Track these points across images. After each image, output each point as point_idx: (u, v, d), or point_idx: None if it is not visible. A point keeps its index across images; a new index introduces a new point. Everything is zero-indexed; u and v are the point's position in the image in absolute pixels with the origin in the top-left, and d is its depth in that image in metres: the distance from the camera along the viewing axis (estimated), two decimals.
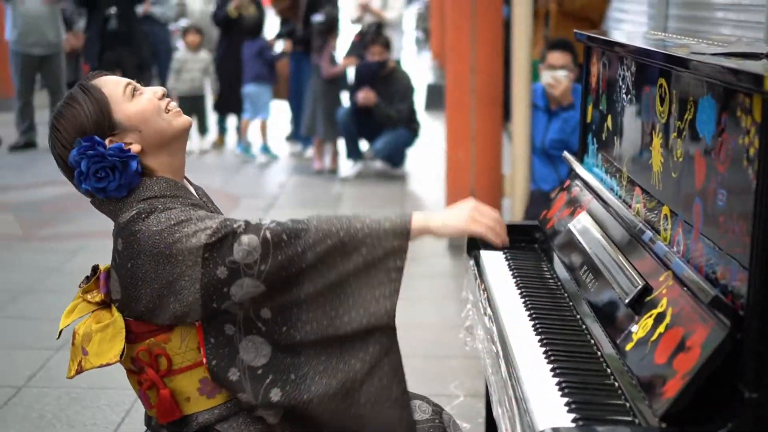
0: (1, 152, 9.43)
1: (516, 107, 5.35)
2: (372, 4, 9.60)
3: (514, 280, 2.69)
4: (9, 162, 8.97)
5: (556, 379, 2.00)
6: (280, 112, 10.13)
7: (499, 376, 2.24)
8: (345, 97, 8.87)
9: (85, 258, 5.59)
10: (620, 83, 2.52)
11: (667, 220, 2.10)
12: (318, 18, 8.65)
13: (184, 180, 2.19)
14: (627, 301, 2.02)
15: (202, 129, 9.65)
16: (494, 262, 2.86)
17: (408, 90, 8.50)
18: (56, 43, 9.55)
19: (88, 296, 2.13)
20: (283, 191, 8.07)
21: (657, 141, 2.19)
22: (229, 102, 9.47)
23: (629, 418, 1.82)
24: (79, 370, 2.07)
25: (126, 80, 2.11)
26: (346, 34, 10.65)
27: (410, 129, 8.45)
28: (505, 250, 2.96)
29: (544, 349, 2.17)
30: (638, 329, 1.92)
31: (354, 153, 8.65)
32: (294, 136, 9.62)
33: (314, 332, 2.01)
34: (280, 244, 1.94)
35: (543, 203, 3.77)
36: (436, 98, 11.13)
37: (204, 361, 2.01)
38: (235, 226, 1.96)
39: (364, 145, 8.76)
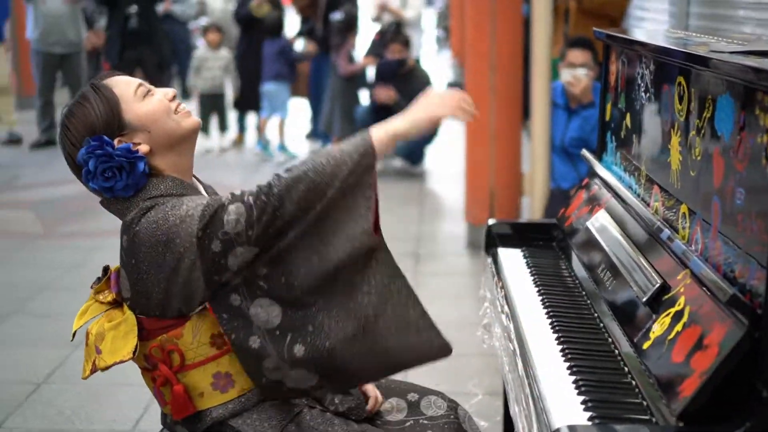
0: (23, 150, 9.49)
1: (535, 105, 5.33)
2: (391, 3, 9.59)
3: (532, 278, 2.69)
4: (30, 160, 9.02)
5: (573, 378, 1.99)
6: (299, 110, 10.15)
7: (515, 374, 2.24)
8: (364, 96, 8.86)
9: (104, 255, 5.61)
10: (639, 81, 2.51)
11: (686, 219, 2.09)
12: (336, 16, 8.66)
13: (193, 179, 2.19)
14: (645, 299, 2.02)
15: (222, 127, 9.67)
16: (512, 260, 2.86)
17: (427, 88, 8.48)
18: (77, 42, 9.60)
19: (100, 296, 2.14)
20: None
21: (675, 139, 2.18)
22: (249, 100, 9.48)
23: (646, 417, 1.82)
24: (94, 370, 2.08)
25: (138, 81, 2.12)
26: (366, 32, 10.65)
27: None
28: (524, 248, 2.96)
29: (561, 347, 2.17)
30: (656, 328, 1.91)
31: None
32: (313, 134, 9.64)
33: (310, 274, 1.99)
34: (261, 204, 1.94)
35: (562, 202, 3.76)
36: None
37: (228, 340, 2.02)
38: (222, 199, 1.98)
39: None
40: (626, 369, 2.02)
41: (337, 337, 2.00)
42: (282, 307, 2.00)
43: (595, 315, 2.36)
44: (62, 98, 10.24)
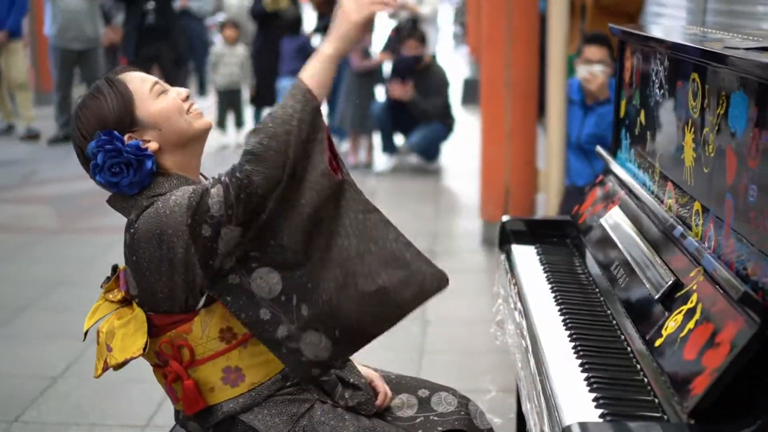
0: (41, 145, 9.53)
1: (551, 102, 5.32)
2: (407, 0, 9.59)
3: (545, 274, 2.68)
4: (48, 155, 9.06)
5: (585, 375, 1.99)
6: None
7: (528, 370, 2.24)
8: (380, 92, 8.86)
9: (119, 251, 5.64)
10: (653, 78, 2.50)
11: (699, 216, 2.09)
12: None
13: (200, 177, 2.20)
14: (657, 296, 2.01)
15: (239, 123, 9.69)
16: (526, 257, 2.86)
17: (443, 84, 8.49)
18: (95, 38, 9.63)
19: (110, 295, 2.16)
20: None
21: (689, 136, 2.17)
22: (265, 96, 9.50)
23: (658, 414, 1.81)
24: (105, 368, 2.10)
25: (153, 79, 2.13)
26: (382, 29, 10.65)
27: (445, 123, 8.44)
28: (537, 245, 2.96)
29: (573, 344, 2.17)
30: (668, 325, 1.90)
31: (389, 147, 8.66)
32: (329, 130, 9.63)
33: (294, 232, 1.97)
34: (236, 182, 1.92)
35: (578, 198, 3.75)
36: (472, 93, 11.10)
37: (240, 321, 2.02)
38: (207, 184, 1.97)
39: (399, 139, 8.76)
40: (638, 366, 2.02)
41: (331, 288, 1.99)
42: (280, 273, 2.00)
43: (608, 312, 2.35)
44: (80, 94, 10.29)
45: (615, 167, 2.80)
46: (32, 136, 9.79)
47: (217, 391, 2.10)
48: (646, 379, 1.95)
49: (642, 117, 2.64)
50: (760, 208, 1.74)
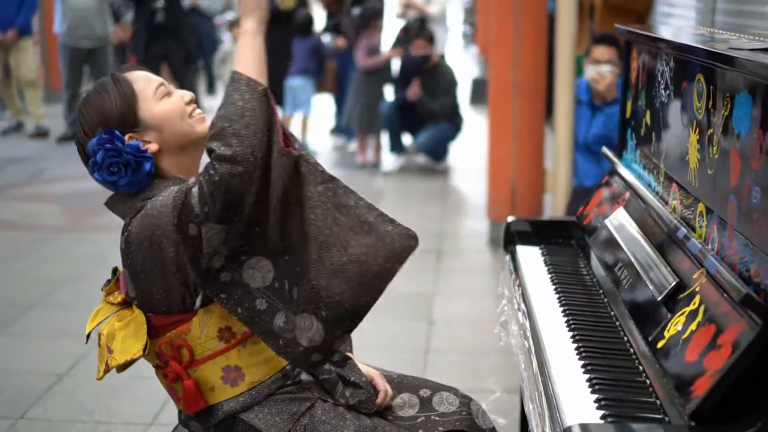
0: (49, 143, 9.56)
1: (559, 102, 5.31)
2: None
3: (550, 275, 2.68)
4: (57, 153, 9.08)
5: (587, 376, 1.99)
6: (324, 106, 10.16)
7: (530, 371, 2.23)
8: (388, 91, 8.86)
9: None
10: (659, 78, 2.50)
11: (703, 217, 2.08)
12: (356, 11, 8.67)
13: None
14: (660, 298, 2.01)
15: None
16: (530, 258, 2.85)
17: (451, 84, 8.49)
18: (104, 36, 9.65)
19: (110, 298, 2.17)
20: None
21: (694, 137, 2.17)
22: (274, 95, 9.47)
23: (659, 416, 1.81)
24: (107, 370, 2.11)
25: (159, 80, 2.14)
26: (391, 28, 10.65)
27: (453, 123, 8.44)
28: (542, 246, 2.95)
29: (576, 345, 2.16)
30: (671, 326, 1.90)
31: (397, 147, 8.66)
32: (337, 130, 9.65)
33: (273, 217, 1.96)
34: (207, 179, 1.89)
35: (585, 199, 3.75)
36: (481, 92, 11.09)
37: (235, 318, 2.01)
38: (189, 183, 1.96)
39: (407, 139, 8.76)
40: (641, 368, 2.01)
41: (309, 266, 1.98)
42: (269, 260, 2.00)
43: (612, 313, 2.35)
44: None
45: (620, 168, 2.79)
46: (41, 133, 9.81)
47: (218, 390, 2.10)
48: (648, 381, 1.94)
49: (647, 118, 2.63)
50: (764, 209, 1.73)
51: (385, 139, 8.75)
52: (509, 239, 3.02)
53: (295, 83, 9.05)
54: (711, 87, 2.05)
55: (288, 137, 2.01)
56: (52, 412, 3.77)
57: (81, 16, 9.40)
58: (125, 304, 2.14)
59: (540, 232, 3.02)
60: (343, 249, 1.98)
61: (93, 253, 5.89)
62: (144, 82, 2.11)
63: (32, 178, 8.12)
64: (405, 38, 8.93)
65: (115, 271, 2.20)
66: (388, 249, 2.01)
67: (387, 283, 2.04)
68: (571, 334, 2.23)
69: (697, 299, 1.87)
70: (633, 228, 2.43)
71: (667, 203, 2.37)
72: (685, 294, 1.94)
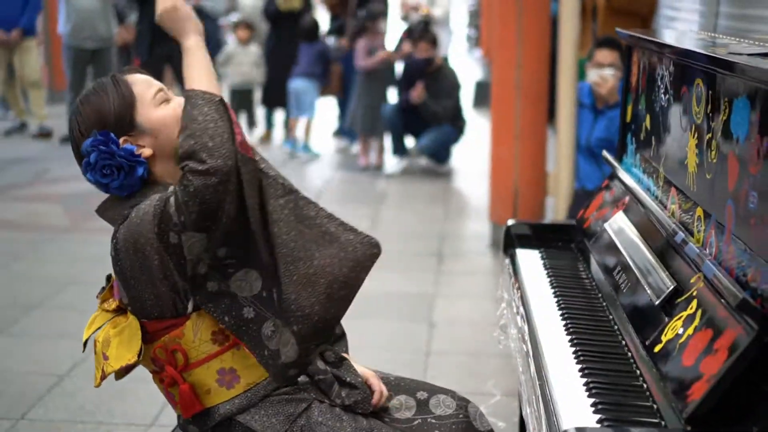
0: (53, 144, 9.57)
1: (561, 105, 5.32)
2: (419, 1, 9.58)
3: (549, 279, 2.68)
4: (60, 153, 9.09)
5: (584, 380, 1.99)
6: (327, 108, 10.17)
7: (528, 375, 2.24)
8: (392, 94, 8.87)
9: None
10: (658, 83, 2.50)
11: (701, 222, 2.08)
12: (362, 13, 8.70)
13: None
14: (658, 302, 2.01)
15: (251, 123, 9.69)
16: (530, 261, 2.86)
17: (454, 87, 8.49)
18: (108, 37, 9.66)
19: (105, 305, 2.18)
20: (327, 187, 8.10)
21: (692, 141, 2.17)
22: (277, 96, 9.51)
23: (656, 420, 1.81)
24: (103, 377, 2.13)
25: (159, 85, 2.14)
26: (394, 30, 10.65)
27: (456, 126, 8.44)
28: (542, 250, 2.96)
29: (574, 349, 2.17)
30: (668, 331, 1.90)
31: (399, 149, 8.66)
32: (341, 132, 9.66)
33: (244, 228, 1.97)
34: (181, 189, 1.90)
35: (586, 202, 3.76)
36: (484, 95, 11.10)
37: (222, 326, 2.02)
38: (169, 191, 1.96)
39: (410, 141, 8.77)
40: (638, 372, 2.01)
41: (278, 278, 1.99)
42: (257, 269, 2.01)
43: (610, 317, 2.35)
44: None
45: (620, 172, 2.79)
46: (45, 134, 9.83)
47: (214, 393, 2.11)
48: (645, 385, 1.95)
49: (647, 122, 2.64)
50: (761, 214, 1.73)
51: (387, 141, 8.76)
52: (509, 242, 3.02)
53: (299, 86, 9.06)
54: (710, 91, 2.06)
55: (247, 144, 2.00)
56: (53, 412, 3.77)
57: (85, 17, 9.41)
58: (120, 310, 2.15)
59: (540, 236, 3.03)
60: (309, 261, 1.99)
61: (95, 253, 5.89)
62: (144, 86, 2.12)
63: (35, 179, 8.14)
64: (404, 40, 8.92)
65: (109, 278, 2.21)
66: (351, 258, 2.02)
67: (354, 293, 2.05)
68: (569, 337, 2.23)
69: (694, 304, 1.87)
70: (632, 232, 2.43)
71: (666, 207, 2.37)
72: (683, 298, 1.94)
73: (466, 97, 10.73)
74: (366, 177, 8.37)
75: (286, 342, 1.99)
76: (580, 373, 2.03)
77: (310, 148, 9.23)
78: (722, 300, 1.77)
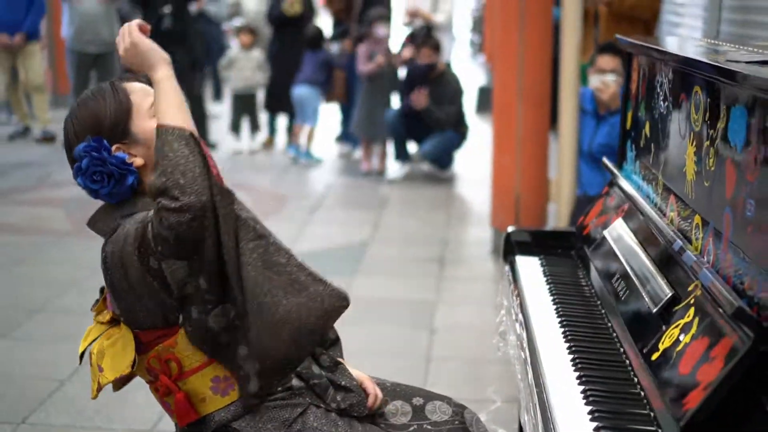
0: (56, 148, 9.57)
1: (563, 111, 5.31)
2: (421, 7, 9.58)
3: (548, 286, 2.68)
4: (63, 157, 8.90)
5: (582, 387, 1.99)
6: (330, 114, 10.17)
7: (526, 382, 2.24)
8: (394, 99, 8.87)
9: None
10: (658, 90, 2.50)
11: (699, 229, 2.08)
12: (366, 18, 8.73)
13: None
14: (655, 310, 2.01)
15: (254, 127, 9.70)
16: (529, 268, 2.86)
17: (457, 92, 8.49)
18: (111, 41, 9.65)
19: (99, 317, 2.20)
20: (330, 192, 8.10)
21: (691, 149, 2.17)
22: (280, 101, 9.51)
23: (653, 428, 1.81)
24: (99, 389, 2.14)
25: None
26: (397, 36, 10.66)
27: (458, 131, 8.44)
28: (542, 256, 2.96)
29: (572, 356, 2.17)
30: (665, 339, 1.90)
31: (402, 155, 8.67)
32: (343, 137, 9.66)
33: (218, 263, 1.98)
34: (159, 223, 1.90)
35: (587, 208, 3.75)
36: (487, 101, 11.10)
37: (203, 352, 2.06)
38: (148, 216, 1.96)
39: (412, 147, 8.77)
40: (636, 379, 2.01)
41: (250, 321, 2.01)
42: (234, 307, 2.02)
43: (609, 325, 2.35)
44: None
45: (620, 179, 2.79)
46: (48, 138, 9.84)
47: (209, 401, 2.11)
48: (642, 393, 1.94)
49: (647, 129, 2.64)
50: (758, 222, 1.73)
51: (390, 146, 8.76)
52: (509, 249, 3.02)
53: (302, 93, 9.06)
54: (708, 99, 2.06)
55: (221, 178, 1.99)
56: (54, 417, 3.78)
57: (88, 21, 9.42)
58: (114, 321, 2.16)
59: (540, 243, 3.03)
60: (276, 307, 2.03)
61: (98, 258, 5.85)
62: (141, 95, 2.12)
63: (39, 183, 8.14)
64: (406, 45, 8.92)
65: (102, 290, 2.22)
66: (319, 308, 2.06)
67: (321, 337, 2.11)
68: (567, 345, 2.24)
69: (691, 311, 1.87)
70: (631, 239, 2.43)
71: (665, 215, 2.37)
72: (681, 306, 1.94)
73: (469, 102, 10.73)
74: (368, 182, 8.37)
75: (250, 372, 2.04)
76: (578, 381, 2.03)
77: (312, 155, 9.23)
78: (719, 308, 1.77)
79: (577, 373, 2.06)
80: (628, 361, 2.10)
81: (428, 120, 8.29)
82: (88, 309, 4.89)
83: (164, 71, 2.00)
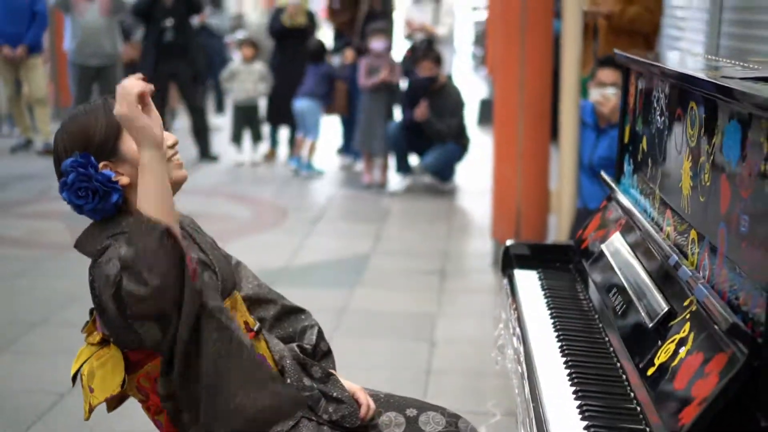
0: None
1: (564, 124, 5.32)
2: (423, 20, 9.60)
3: (546, 300, 2.68)
4: None
5: (578, 402, 1.99)
6: (331, 126, 10.19)
7: (523, 396, 2.24)
8: (396, 112, 8.89)
9: None
10: (654, 104, 2.51)
11: (695, 244, 2.09)
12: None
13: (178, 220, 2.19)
14: (651, 325, 2.01)
15: (256, 138, 9.72)
16: (527, 282, 2.86)
17: (458, 105, 8.51)
18: (113, 54, 9.70)
19: (90, 338, 2.19)
20: (331, 204, 8.11)
21: (687, 164, 2.18)
22: (281, 114, 9.54)
23: None
24: (91, 410, 2.14)
25: None
26: (399, 49, 10.68)
27: (460, 144, 8.46)
28: (540, 270, 2.96)
29: (568, 371, 2.17)
30: (661, 354, 1.91)
31: (403, 167, 8.68)
32: (345, 150, 9.68)
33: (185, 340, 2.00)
34: (126, 296, 1.90)
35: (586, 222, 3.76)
36: (489, 113, 11.11)
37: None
38: (115, 271, 1.93)
39: (413, 159, 8.78)
40: (632, 395, 2.01)
41: (200, 407, 2.04)
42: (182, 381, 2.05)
43: (606, 339, 2.35)
44: None
45: (617, 193, 2.80)
46: (50, 151, 9.74)
47: None
48: (639, 408, 1.95)
49: (644, 143, 2.64)
50: (752, 238, 1.74)
51: (391, 159, 8.77)
52: (507, 263, 3.03)
53: (304, 105, 9.08)
54: (703, 115, 2.07)
55: (197, 272, 1.98)
56: (54, 430, 3.77)
57: (90, 34, 9.45)
58: (104, 342, 2.15)
59: (538, 256, 3.03)
60: (233, 397, 2.03)
61: None
62: None
63: (40, 196, 8.16)
64: (412, 59, 8.93)
65: (91, 311, 2.21)
66: (276, 406, 2.09)
67: (273, 426, 2.11)
68: (564, 359, 2.24)
69: (686, 327, 1.88)
70: (628, 253, 2.43)
71: (661, 229, 2.38)
72: (676, 321, 1.95)
73: (471, 115, 10.74)
74: (369, 195, 8.38)
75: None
76: (574, 396, 2.03)
77: (314, 167, 9.25)
78: (714, 324, 1.77)
79: (573, 388, 2.07)
80: (624, 376, 2.10)
81: (429, 132, 8.30)
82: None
83: (151, 155, 1.93)
